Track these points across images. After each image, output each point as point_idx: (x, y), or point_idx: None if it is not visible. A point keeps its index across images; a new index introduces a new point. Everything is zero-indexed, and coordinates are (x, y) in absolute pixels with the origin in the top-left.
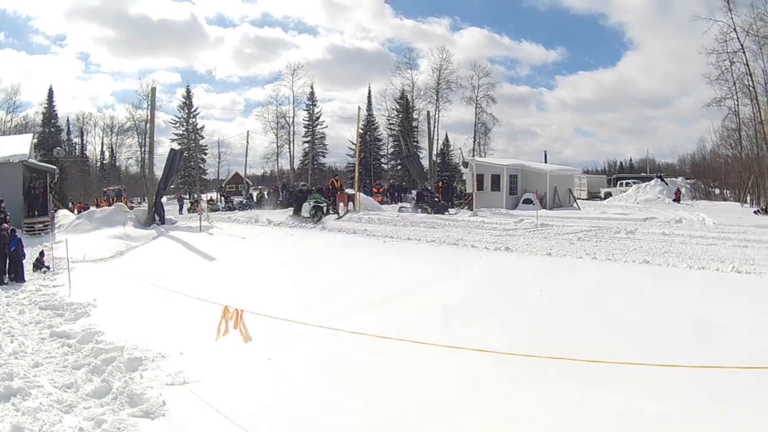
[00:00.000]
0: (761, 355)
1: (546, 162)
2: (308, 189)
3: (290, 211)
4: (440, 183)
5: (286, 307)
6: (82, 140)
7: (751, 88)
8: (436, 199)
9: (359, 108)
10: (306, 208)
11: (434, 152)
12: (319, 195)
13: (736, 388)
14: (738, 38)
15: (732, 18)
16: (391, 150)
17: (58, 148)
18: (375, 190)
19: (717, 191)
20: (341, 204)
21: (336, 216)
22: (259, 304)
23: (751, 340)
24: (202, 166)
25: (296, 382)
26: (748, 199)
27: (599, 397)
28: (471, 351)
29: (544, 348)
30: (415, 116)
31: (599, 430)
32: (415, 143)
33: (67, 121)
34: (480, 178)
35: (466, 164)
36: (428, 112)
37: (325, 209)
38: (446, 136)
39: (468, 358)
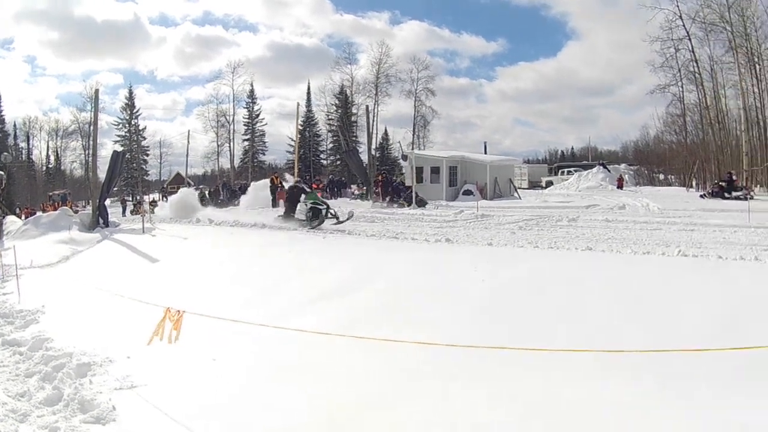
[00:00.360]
0: (710, 338)
1: (486, 153)
2: (303, 187)
3: (233, 209)
4: (380, 177)
5: (227, 307)
6: (28, 145)
7: (696, 75)
8: (416, 194)
9: (298, 104)
10: (302, 209)
11: (373, 146)
12: (316, 195)
13: (683, 372)
14: (684, 25)
15: (678, 5)
16: (331, 145)
17: (6, 153)
18: (315, 185)
19: (661, 177)
20: (281, 201)
21: (335, 220)
22: (201, 304)
23: (699, 323)
24: (144, 167)
25: (238, 382)
26: (694, 183)
27: (543, 387)
28: (413, 344)
29: (486, 338)
30: (354, 111)
31: (541, 419)
32: (354, 138)
33: (14, 125)
34: (419, 171)
35: (405, 157)
36: (367, 107)
37: (324, 212)
38: (385, 129)
39: (410, 352)
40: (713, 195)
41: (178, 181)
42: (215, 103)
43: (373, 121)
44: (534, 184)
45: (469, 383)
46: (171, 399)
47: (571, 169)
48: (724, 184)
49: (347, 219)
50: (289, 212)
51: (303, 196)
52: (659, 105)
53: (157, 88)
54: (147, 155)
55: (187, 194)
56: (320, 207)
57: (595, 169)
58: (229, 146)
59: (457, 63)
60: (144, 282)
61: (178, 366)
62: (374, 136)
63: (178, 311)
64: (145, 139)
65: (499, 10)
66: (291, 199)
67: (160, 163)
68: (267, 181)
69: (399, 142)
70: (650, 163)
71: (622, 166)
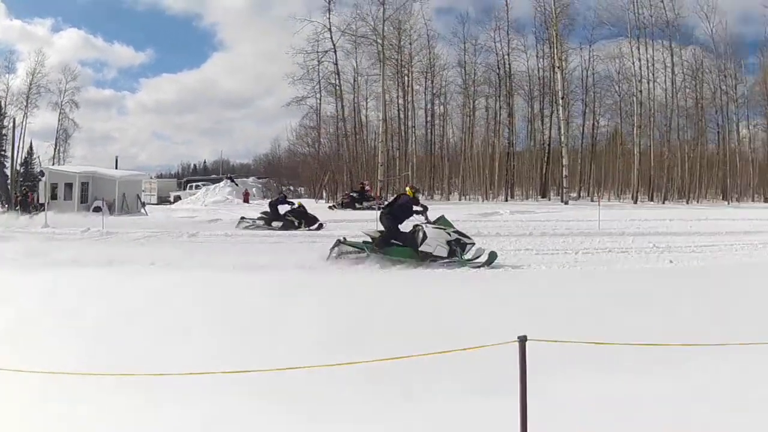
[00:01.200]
0: (328, 352)
1: (117, 168)
2: (419, 198)
3: None
4: (25, 191)
5: None
6: None
7: (337, 87)
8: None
9: None
10: (439, 238)
11: (18, 162)
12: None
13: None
14: (331, 38)
15: (330, 18)
16: None
17: None
18: None
19: (291, 189)
20: None
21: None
22: None
23: (308, 336)
24: None
25: None
26: (324, 194)
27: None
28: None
29: (105, 364)
30: (6, 124)
31: None
32: (2, 152)
33: None
34: (54, 187)
35: (42, 173)
36: (14, 119)
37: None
38: (31, 143)
39: (30, 381)
40: (344, 206)
41: None
42: None
43: (21, 134)
44: (163, 199)
45: (86, 414)
46: None
47: (200, 183)
48: (355, 194)
49: (490, 261)
50: (390, 239)
51: (418, 214)
52: (295, 117)
53: None
54: None
55: None
56: (466, 241)
57: (222, 183)
58: None
59: (105, 73)
60: None
61: None
62: (21, 150)
63: None
64: None
65: (152, 19)
66: (397, 220)
67: None
68: None
69: (38, 156)
70: (280, 175)
71: (251, 179)
